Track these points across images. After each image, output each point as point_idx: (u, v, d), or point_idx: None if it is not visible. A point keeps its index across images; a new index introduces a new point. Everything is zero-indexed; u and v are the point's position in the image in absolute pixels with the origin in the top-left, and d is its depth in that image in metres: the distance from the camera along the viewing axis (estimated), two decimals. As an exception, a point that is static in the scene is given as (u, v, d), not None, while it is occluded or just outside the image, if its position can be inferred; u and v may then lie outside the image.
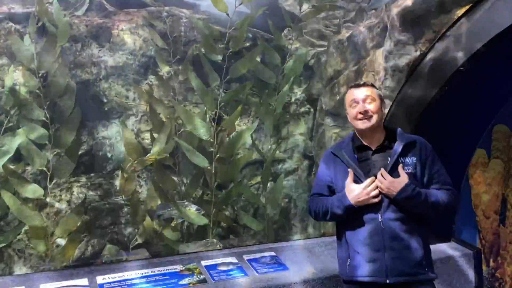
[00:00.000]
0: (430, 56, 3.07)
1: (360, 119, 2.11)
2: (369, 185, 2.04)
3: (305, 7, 4.41)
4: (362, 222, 2.10)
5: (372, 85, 2.23)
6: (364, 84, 2.19)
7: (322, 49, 4.49)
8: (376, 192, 2.04)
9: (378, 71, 3.44)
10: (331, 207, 2.13)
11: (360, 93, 2.14)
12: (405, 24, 3.16)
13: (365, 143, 2.17)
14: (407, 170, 2.08)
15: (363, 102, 2.12)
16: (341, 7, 4.46)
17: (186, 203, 3.76)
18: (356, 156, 2.16)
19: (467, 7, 2.87)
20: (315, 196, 2.26)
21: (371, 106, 2.12)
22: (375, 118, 2.11)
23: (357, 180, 2.10)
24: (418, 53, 3.14)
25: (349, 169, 2.11)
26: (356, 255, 2.10)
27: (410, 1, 3.11)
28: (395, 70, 3.25)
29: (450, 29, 2.97)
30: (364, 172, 2.11)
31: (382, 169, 2.06)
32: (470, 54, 2.79)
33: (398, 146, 2.12)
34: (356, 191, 2.05)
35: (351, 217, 2.12)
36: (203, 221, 3.74)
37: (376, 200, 2.05)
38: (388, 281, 2.03)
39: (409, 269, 2.05)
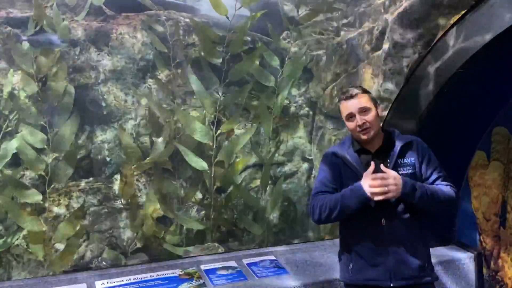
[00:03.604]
0: (428, 58, 3.07)
1: (359, 132, 2.10)
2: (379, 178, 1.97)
3: (303, 10, 4.42)
4: (365, 225, 2.09)
5: (363, 91, 2.16)
6: (355, 95, 2.12)
7: (321, 51, 4.49)
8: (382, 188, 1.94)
9: (376, 74, 3.44)
10: (341, 199, 2.04)
11: (354, 105, 2.09)
12: (403, 26, 3.16)
13: (365, 147, 2.17)
14: (407, 171, 2.08)
15: (359, 114, 2.09)
16: (339, 9, 4.47)
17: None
18: (360, 159, 2.15)
19: (466, 9, 2.87)
20: (320, 194, 2.16)
21: (368, 117, 2.08)
22: (374, 128, 2.10)
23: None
24: (416, 55, 3.14)
25: (372, 162, 2.03)
26: (358, 259, 2.10)
27: (408, 3, 3.12)
28: (394, 72, 3.25)
29: (448, 31, 2.97)
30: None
31: (382, 165, 2.00)
32: (469, 56, 2.78)
33: (396, 148, 2.12)
34: (370, 179, 1.96)
35: (354, 220, 2.11)
36: (200, 225, 3.74)
37: (380, 197, 1.95)
38: (391, 285, 2.03)
39: (412, 272, 2.05)
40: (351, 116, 2.11)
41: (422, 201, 2.01)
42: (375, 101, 2.17)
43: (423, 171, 2.12)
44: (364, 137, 2.10)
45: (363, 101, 2.11)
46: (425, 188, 2.02)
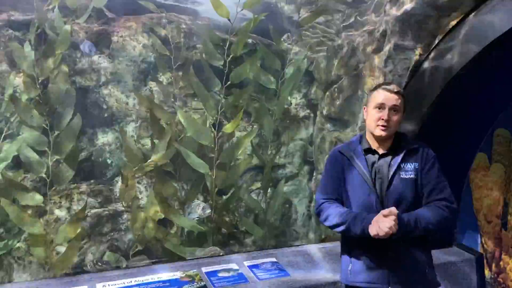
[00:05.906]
0: (429, 60, 3.07)
1: (379, 125, 2.09)
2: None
3: (304, 12, 4.42)
4: None
5: (403, 94, 2.16)
6: (397, 92, 2.12)
7: (321, 54, 4.50)
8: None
9: (377, 76, 3.44)
10: (348, 224, 2.04)
11: (391, 100, 2.09)
12: (404, 28, 3.16)
13: (373, 147, 2.17)
14: (409, 176, 2.09)
15: (389, 110, 2.09)
16: (340, 11, 4.47)
17: (197, 202, 3.80)
18: (366, 160, 2.15)
19: (466, 11, 2.87)
20: (331, 202, 2.17)
21: (394, 117, 2.10)
22: (392, 130, 2.11)
23: (364, 183, 2.10)
24: (417, 57, 3.15)
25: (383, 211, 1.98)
26: (357, 261, 2.10)
27: (409, 5, 3.12)
28: (395, 74, 3.25)
29: (449, 33, 2.97)
30: (371, 176, 2.11)
31: (386, 211, 1.97)
32: (470, 58, 2.78)
33: (400, 152, 2.13)
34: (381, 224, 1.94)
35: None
36: (198, 228, 3.74)
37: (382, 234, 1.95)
38: (389, 288, 2.03)
39: (411, 276, 2.05)
40: (381, 107, 2.10)
41: (414, 234, 2.02)
42: (405, 109, 2.18)
43: (426, 179, 2.11)
44: (380, 132, 2.10)
45: (399, 101, 2.12)
46: (416, 224, 1.99)
